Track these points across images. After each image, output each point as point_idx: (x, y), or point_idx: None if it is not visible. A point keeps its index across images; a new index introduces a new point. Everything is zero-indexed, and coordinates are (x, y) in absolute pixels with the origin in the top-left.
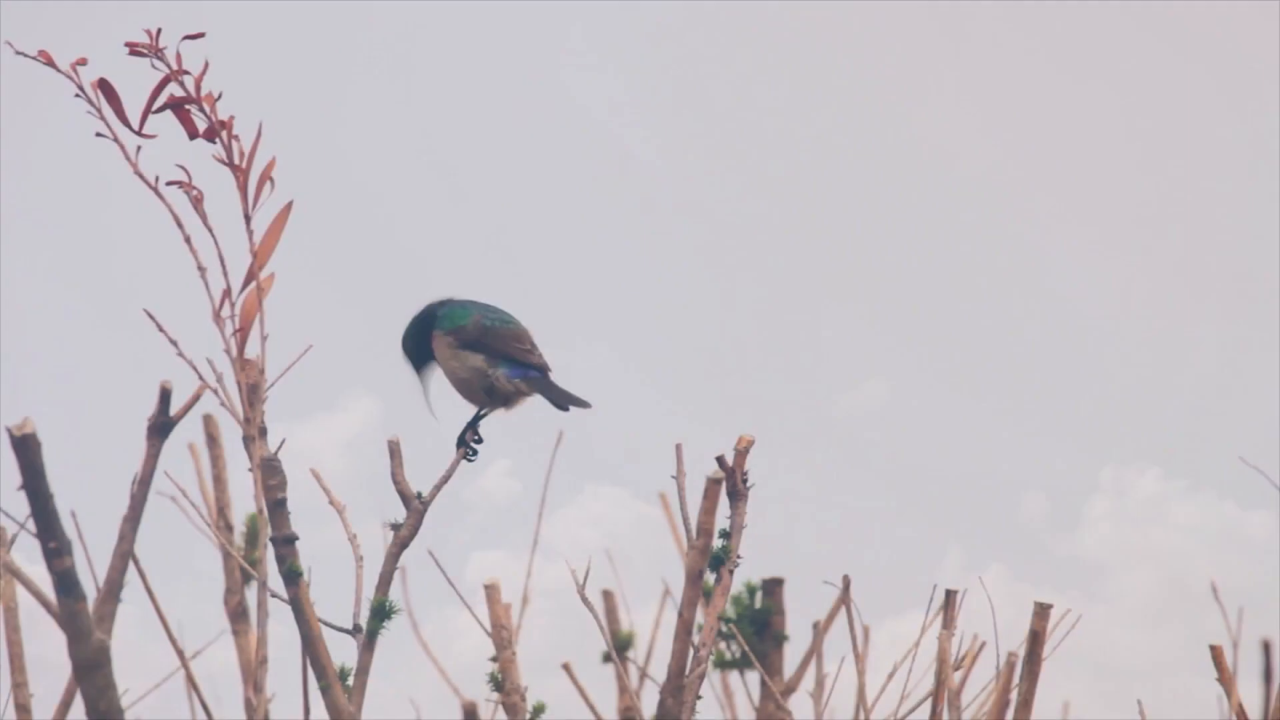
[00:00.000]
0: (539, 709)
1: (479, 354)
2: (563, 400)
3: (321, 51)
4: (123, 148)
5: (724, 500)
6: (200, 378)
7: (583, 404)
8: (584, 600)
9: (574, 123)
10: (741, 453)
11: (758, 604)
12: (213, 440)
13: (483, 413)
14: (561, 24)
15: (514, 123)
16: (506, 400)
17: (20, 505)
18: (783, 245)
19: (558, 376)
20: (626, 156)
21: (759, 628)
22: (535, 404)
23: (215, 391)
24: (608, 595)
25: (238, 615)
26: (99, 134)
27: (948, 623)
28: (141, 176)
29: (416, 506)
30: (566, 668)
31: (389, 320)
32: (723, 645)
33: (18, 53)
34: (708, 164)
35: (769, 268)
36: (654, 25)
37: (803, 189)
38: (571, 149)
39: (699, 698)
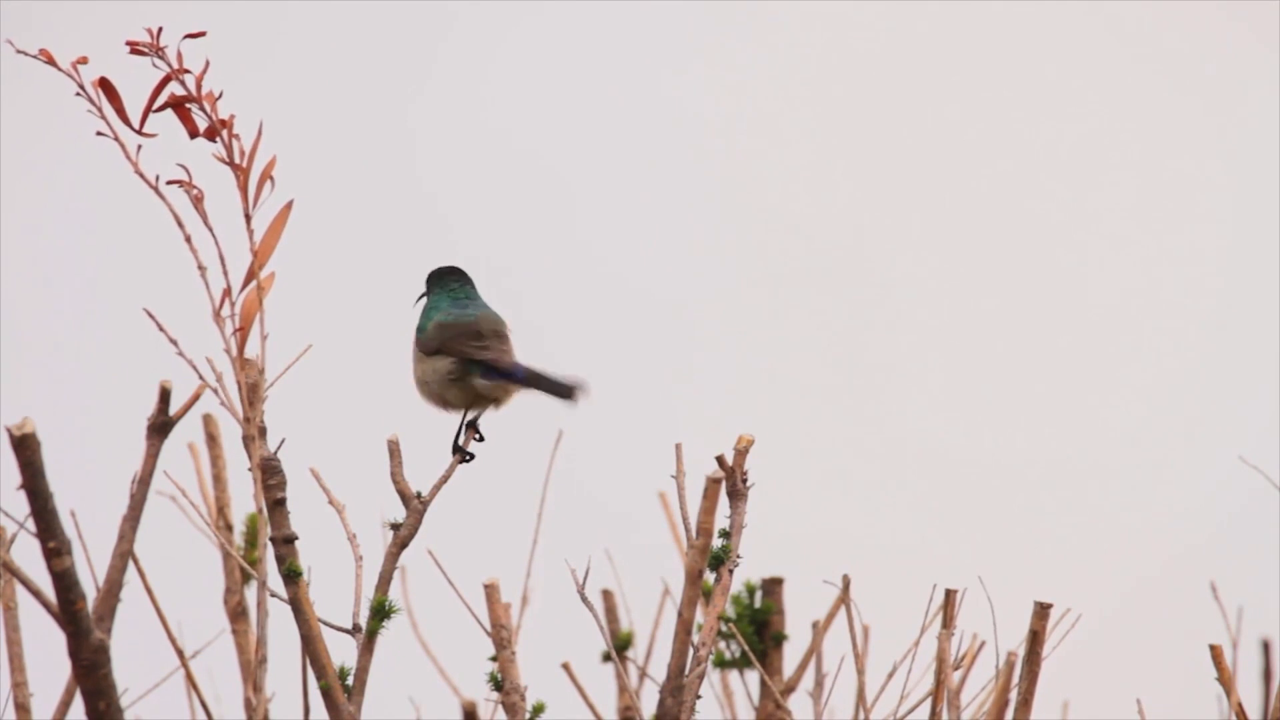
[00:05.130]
0: (539, 709)
1: (445, 357)
2: (553, 388)
3: (318, 46)
4: (123, 147)
5: (724, 500)
6: (200, 377)
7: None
8: (584, 600)
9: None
10: (741, 453)
11: (758, 604)
12: (213, 440)
13: (468, 416)
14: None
15: (507, 117)
16: (479, 401)
17: (20, 505)
18: (787, 242)
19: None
20: (637, 157)
21: (759, 627)
22: (528, 404)
23: (215, 391)
24: (607, 595)
25: (237, 615)
26: (99, 133)
27: (947, 622)
28: (142, 176)
29: (416, 506)
30: (566, 668)
31: (389, 316)
32: (722, 645)
33: (18, 52)
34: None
35: (772, 264)
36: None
37: (815, 190)
38: (564, 146)
39: (699, 697)
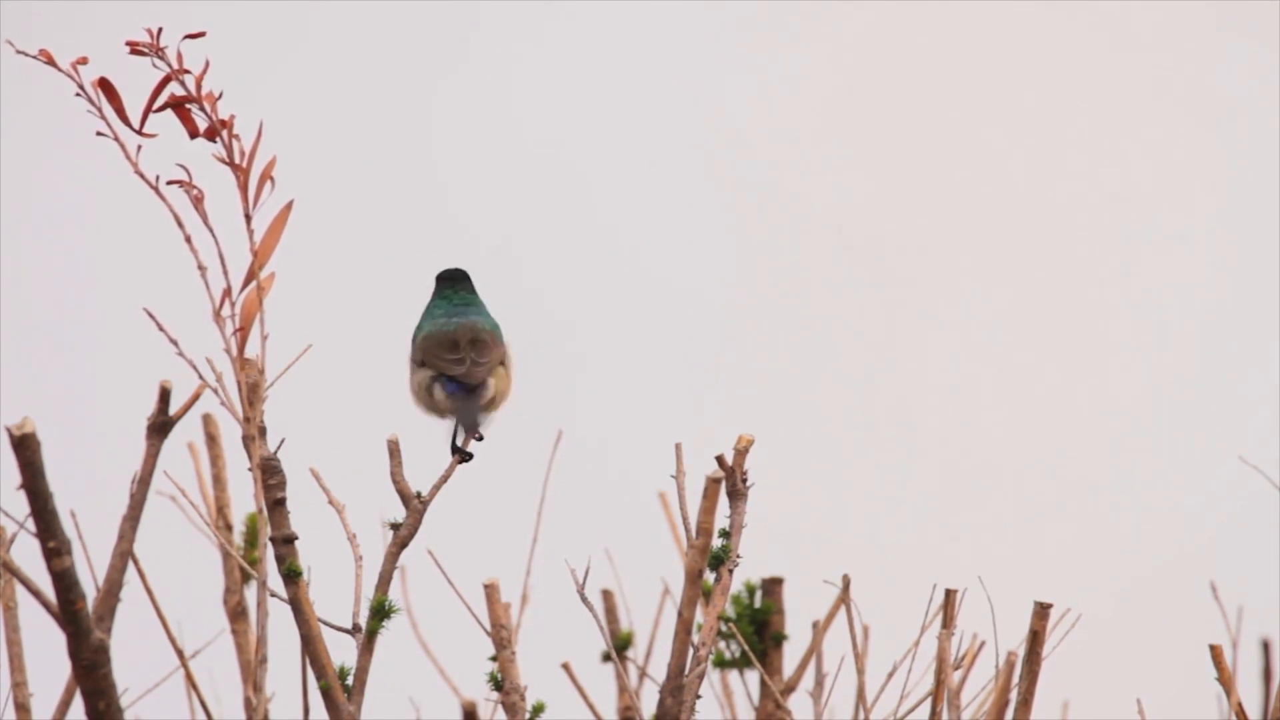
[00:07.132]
0: (538, 709)
1: (427, 369)
2: (467, 426)
3: (318, 43)
4: (123, 147)
5: (724, 500)
6: (200, 377)
7: (477, 437)
8: (584, 600)
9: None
10: (741, 452)
11: (757, 603)
12: (212, 440)
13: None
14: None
15: (524, 116)
16: (443, 414)
17: (20, 505)
18: (790, 238)
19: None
20: (636, 153)
21: (759, 627)
22: (527, 404)
23: (215, 391)
24: (607, 595)
25: (237, 615)
26: (99, 133)
27: (947, 622)
28: (142, 176)
29: (416, 506)
30: (566, 668)
31: (389, 316)
32: (722, 645)
33: (18, 52)
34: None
35: (775, 260)
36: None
37: (818, 193)
38: (577, 141)
39: (698, 697)
